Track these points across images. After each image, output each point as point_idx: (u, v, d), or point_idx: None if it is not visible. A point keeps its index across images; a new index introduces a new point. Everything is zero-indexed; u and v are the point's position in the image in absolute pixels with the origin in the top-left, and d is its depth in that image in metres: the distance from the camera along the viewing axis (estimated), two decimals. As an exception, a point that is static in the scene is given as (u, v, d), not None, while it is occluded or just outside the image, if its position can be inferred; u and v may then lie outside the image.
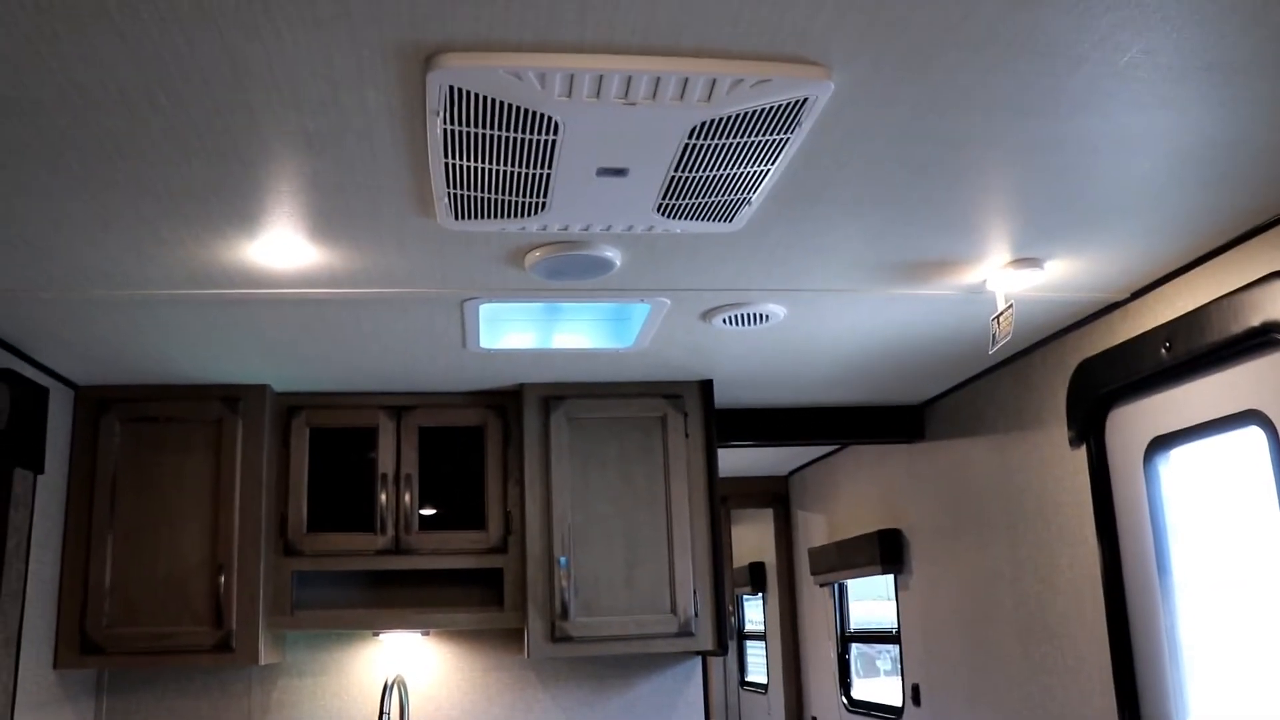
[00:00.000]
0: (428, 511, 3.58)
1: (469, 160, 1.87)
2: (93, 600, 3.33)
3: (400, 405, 3.63)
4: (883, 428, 4.18)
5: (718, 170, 1.94)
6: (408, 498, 3.56)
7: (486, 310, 2.85)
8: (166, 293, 2.59)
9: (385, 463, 3.59)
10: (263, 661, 3.36)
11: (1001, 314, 2.64)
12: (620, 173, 1.92)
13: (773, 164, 1.93)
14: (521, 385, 3.61)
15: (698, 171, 1.94)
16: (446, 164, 1.89)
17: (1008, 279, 2.62)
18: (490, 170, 1.90)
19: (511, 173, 1.92)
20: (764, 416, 4.09)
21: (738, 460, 5.58)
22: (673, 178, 1.96)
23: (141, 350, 3.09)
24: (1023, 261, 2.56)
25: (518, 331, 3.11)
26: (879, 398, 4.03)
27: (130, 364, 3.24)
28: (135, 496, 3.41)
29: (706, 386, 3.65)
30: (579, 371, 3.49)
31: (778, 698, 6.28)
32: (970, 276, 2.65)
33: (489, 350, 3.16)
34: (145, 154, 1.89)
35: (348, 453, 3.60)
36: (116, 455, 3.43)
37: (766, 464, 5.86)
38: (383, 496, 3.55)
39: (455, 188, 1.98)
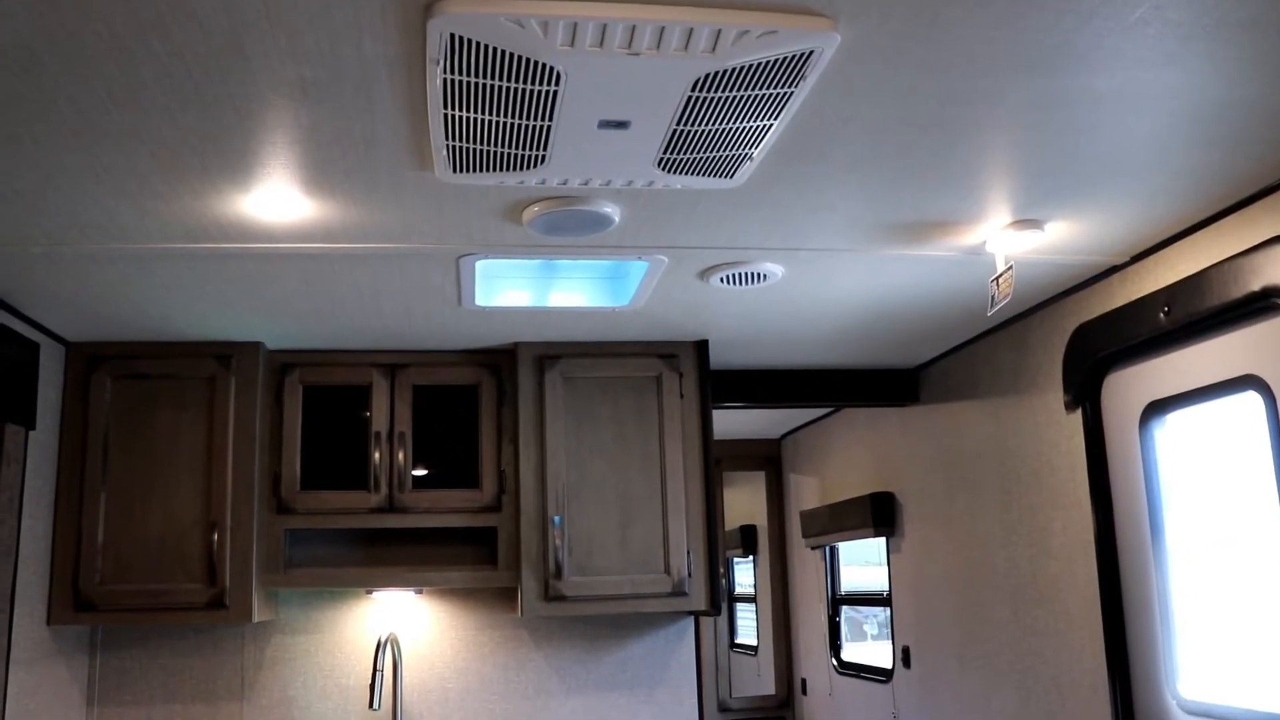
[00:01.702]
0: (421, 470, 3.58)
1: (469, 111, 1.85)
2: (86, 557, 3.32)
3: (394, 363, 3.62)
4: (877, 390, 4.17)
5: (720, 124, 1.91)
6: (401, 456, 3.55)
7: (483, 267, 2.83)
8: (160, 246, 2.57)
9: (379, 421, 3.57)
10: (256, 619, 3.36)
11: (1001, 275, 2.63)
12: (622, 125, 1.90)
13: (775, 119, 1.91)
14: (516, 344, 3.59)
15: (700, 125, 1.91)
16: (446, 115, 1.86)
17: (1008, 240, 2.60)
18: (490, 122, 1.88)
19: (511, 125, 1.89)
20: (758, 378, 4.08)
21: (730, 423, 5.58)
22: (675, 131, 1.93)
23: (134, 306, 3.07)
24: (1023, 223, 2.54)
25: (513, 289, 3.09)
26: (874, 360, 4.02)
27: (123, 320, 3.21)
28: (127, 454, 3.40)
29: (702, 347, 3.63)
30: (574, 330, 3.47)
31: (767, 660, 6.31)
32: (970, 238, 2.63)
33: (484, 308, 3.14)
34: (140, 104, 1.86)
35: (341, 411, 3.59)
36: (109, 412, 3.41)
37: (759, 427, 5.86)
38: (376, 455, 3.54)
39: (454, 140, 1.96)
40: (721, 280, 2.89)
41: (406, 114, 1.92)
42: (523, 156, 2.03)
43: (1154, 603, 2.80)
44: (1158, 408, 2.81)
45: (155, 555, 3.35)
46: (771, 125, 1.93)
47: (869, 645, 5.82)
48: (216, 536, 3.35)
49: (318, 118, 1.92)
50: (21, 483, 3.08)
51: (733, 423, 5.59)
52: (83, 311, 3.11)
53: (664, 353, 3.63)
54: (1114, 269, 2.90)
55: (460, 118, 1.87)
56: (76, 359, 3.44)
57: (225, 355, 3.47)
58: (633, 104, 1.82)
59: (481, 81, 1.75)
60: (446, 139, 1.96)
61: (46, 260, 2.65)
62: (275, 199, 2.29)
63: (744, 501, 6.96)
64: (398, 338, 3.48)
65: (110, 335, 3.39)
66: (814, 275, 2.91)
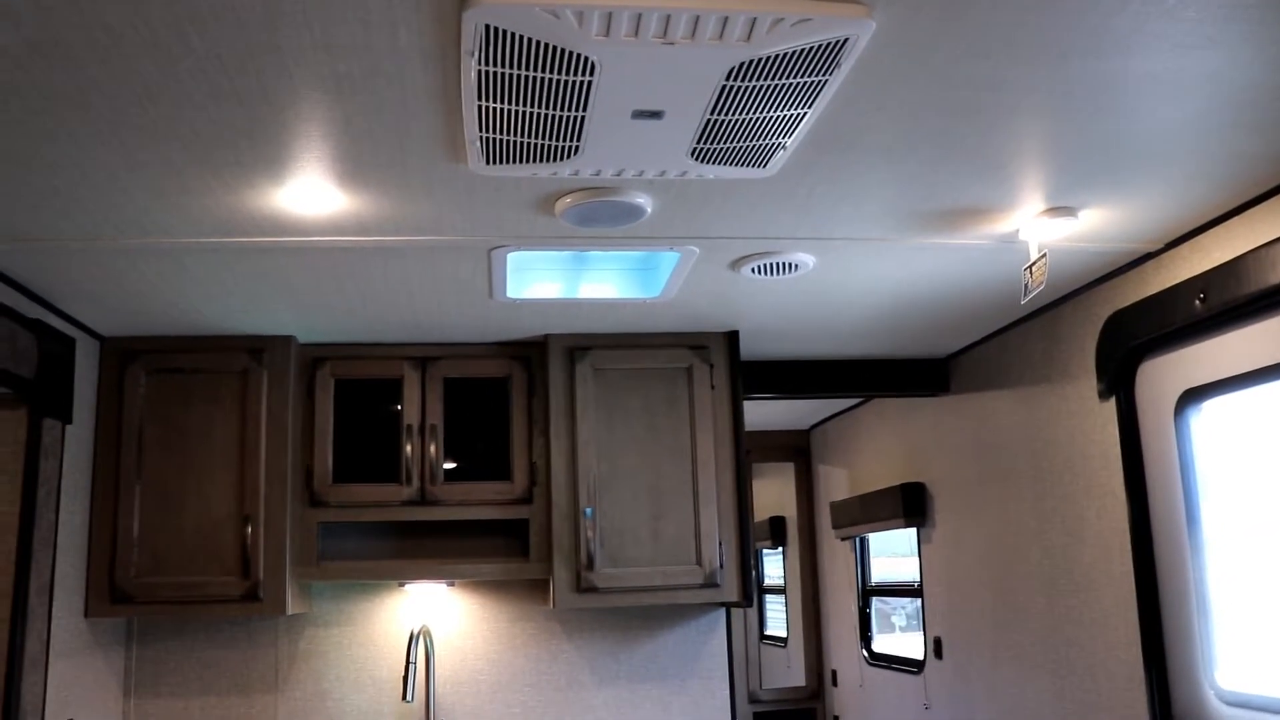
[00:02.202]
0: (453, 463, 3.59)
1: (503, 103, 1.85)
2: (121, 550, 3.35)
3: (425, 356, 3.63)
4: (908, 380, 4.16)
5: (754, 113, 1.91)
6: (433, 449, 3.56)
7: (514, 259, 2.83)
8: (194, 241, 2.58)
9: (410, 414, 3.59)
10: (290, 612, 3.38)
11: (1035, 264, 2.61)
12: (656, 115, 1.90)
13: (809, 107, 1.90)
14: (547, 336, 3.60)
15: (734, 114, 1.91)
16: (480, 107, 1.87)
17: (1041, 228, 2.58)
18: (524, 113, 1.88)
19: (545, 115, 1.89)
20: (788, 369, 4.07)
21: (759, 414, 5.57)
22: (708, 121, 1.93)
23: (168, 301, 3.09)
24: (1057, 210, 2.52)
25: (544, 281, 3.09)
26: (905, 350, 4.01)
27: (156, 315, 3.24)
28: (162, 447, 3.42)
29: (733, 338, 3.63)
30: (605, 322, 3.47)
31: (797, 651, 6.31)
32: (1003, 225, 2.62)
33: (515, 300, 3.15)
34: (175, 98, 1.87)
35: (373, 404, 3.60)
36: (143, 406, 3.44)
37: (788, 418, 5.85)
38: (408, 447, 3.56)
39: (488, 131, 1.96)
40: (753, 270, 2.88)
41: (440, 106, 1.92)
42: (556, 147, 2.03)
43: (1191, 592, 2.78)
44: (1193, 395, 2.78)
45: (190, 548, 3.37)
46: (805, 114, 1.93)
47: (896, 637, 5.80)
48: (250, 530, 3.37)
49: (351, 111, 1.93)
50: (59, 477, 3.11)
51: (761, 414, 5.58)
52: (117, 306, 3.13)
53: (694, 344, 3.62)
54: (1148, 256, 2.87)
55: (494, 109, 1.87)
56: (111, 354, 3.46)
57: (257, 349, 3.49)
58: (667, 94, 1.82)
59: (515, 73, 1.75)
60: (480, 131, 1.96)
61: (82, 256, 2.68)
62: (308, 192, 2.30)
63: (773, 492, 6.95)
64: (429, 330, 3.49)
65: (144, 330, 3.41)
66: (845, 265, 2.90)
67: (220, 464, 3.43)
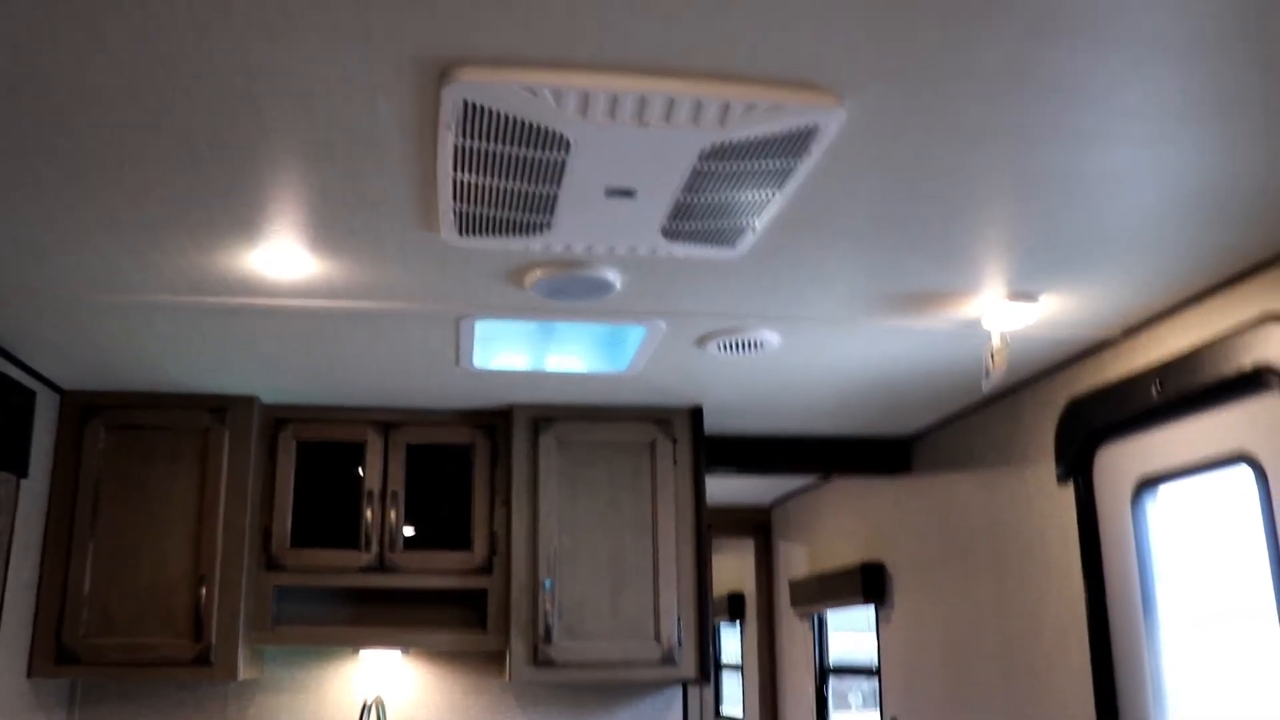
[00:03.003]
0: (413, 530, 3.57)
1: (477, 176, 1.88)
2: (71, 608, 3.29)
3: (389, 421, 3.62)
4: (870, 460, 4.18)
5: (725, 195, 1.95)
6: (393, 515, 3.54)
7: (482, 328, 2.85)
8: (164, 298, 2.58)
9: (372, 479, 3.57)
10: (241, 677, 3.33)
11: (996, 350, 2.66)
12: (628, 194, 1.93)
13: (779, 190, 1.94)
14: (512, 406, 3.60)
15: (705, 195, 1.95)
16: (455, 179, 1.89)
17: (1003, 313, 2.63)
18: (498, 187, 1.91)
19: (519, 190, 1.92)
20: (750, 445, 4.09)
21: (720, 489, 5.57)
22: (680, 200, 1.96)
23: (132, 356, 3.08)
24: (1018, 295, 2.57)
25: (511, 351, 3.11)
26: (867, 429, 4.04)
27: (119, 370, 3.22)
28: (118, 504, 3.39)
29: (696, 414, 3.65)
30: (570, 394, 3.48)
31: (753, 730, 6.25)
32: (966, 310, 2.67)
33: (482, 370, 3.15)
34: (152, 155, 1.88)
35: (334, 468, 3.59)
36: (101, 462, 3.41)
37: (749, 493, 5.86)
38: (368, 513, 3.53)
39: (461, 203, 1.98)
40: (719, 347, 2.91)
41: (415, 176, 1.95)
42: (529, 222, 2.05)
43: (1146, 677, 2.80)
44: (1150, 482, 2.82)
45: (142, 609, 3.32)
46: (774, 196, 1.97)
47: (854, 715, 5.77)
48: (204, 591, 3.33)
49: (328, 177, 1.95)
50: (10, 531, 3.06)
51: (723, 489, 5.59)
52: (79, 360, 3.11)
53: (659, 418, 3.64)
54: (1107, 343, 2.93)
55: (469, 181, 1.90)
56: (71, 407, 3.44)
57: (219, 408, 3.47)
58: (640, 173, 1.86)
59: (492, 147, 1.78)
60: (454, 202, 1.99)
61: (47, 308, 2.67)
62: (281, 256, 2.32)
63: (732, 568, 6.93)
64: (393, 395, 3.49)
65: (105, 385, 3.39)
66: (810, 344, 2.94)
67: (177, 523, 3.39)
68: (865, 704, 5.72)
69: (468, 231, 2.11)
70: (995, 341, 2.66)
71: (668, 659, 3.47)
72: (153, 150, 1.86)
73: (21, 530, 3.17)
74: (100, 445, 3.42)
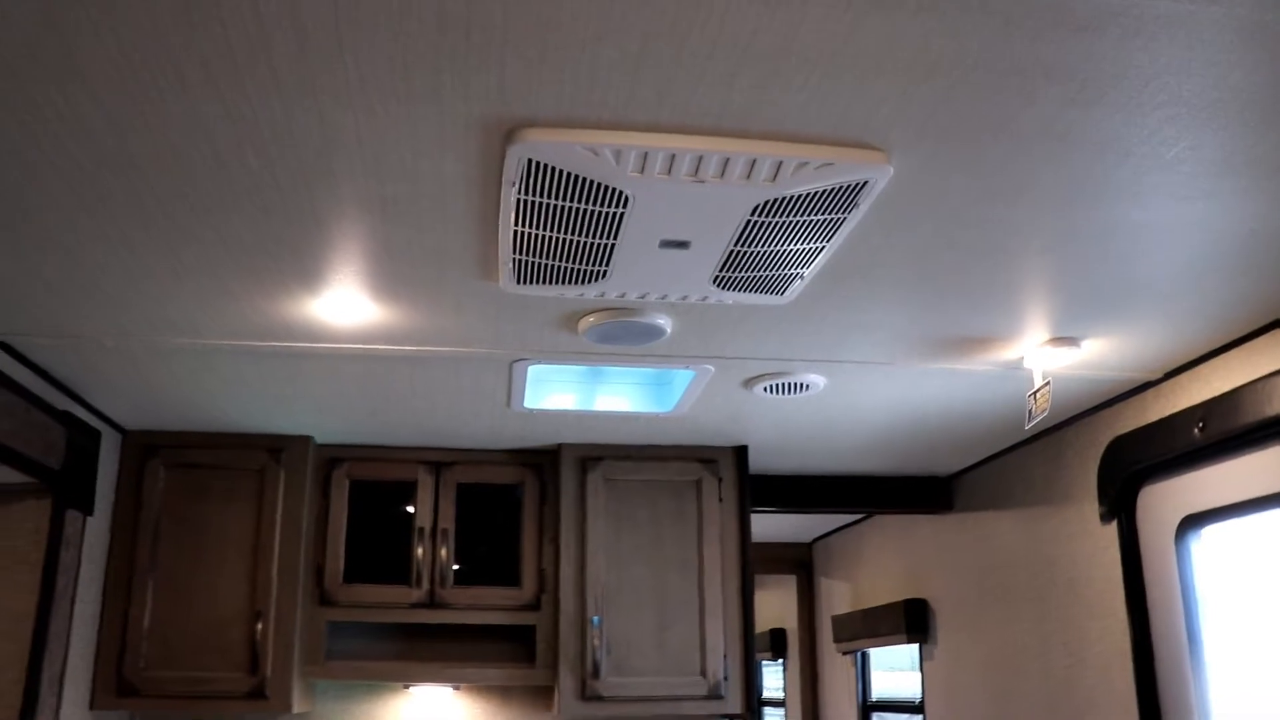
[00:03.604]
0: (462, 567, 3.64)
1: (538, 229, 1.96)
2: (131, 642, 3.38)
3: (440, 461, 3.70)
4: (912, 498, 4.22)
5: (775, 246, 2.02)
6: (444, 552, 3.61)
7: (534, 372, 2.92)
8: (227, 343, 2.68)
9: (423, 517, 3.65)
10: (295, 710, 3.40)
11: (1039, 390, 2.70)
12: (682, 245, 2.01)
13: (828, 241, 2.01)
14: (560, 445, 3.68)
15: (756, 246, 2.02)
16: (516, 232, 1.97)
17: (1045, 357, 2.68)
18: (557, 239, 1.99)
19: (578, 242, 2.00)
20: (794, 483, 4.14)
21: (763, 526, 5.61)
22: (732, 251, 2.04)
23: (192, 398, 3.18)
24: (1060, 340, 2.62)
25: (560, 392, 3.18)
26: (909, 468, 4.08)
27: (179, 411, 3.32)
28: (177, 541, 3.48)
29: (741, 452, 3.71)
30: (617, 433, 3.55)
31: (795, 766, 6.25)
32: (1008, 353, 2.72)
33: (532, 410, 3.23)
34: (227, 209, 1.98)
35: (386, 506, 3.67)
36: (160, 500, 3.51)
37: (791, 530, 5.89)
38: (419, 550, 3.61)
39: (521, 254, 2.07)
40: (765, 390, 2.97)
41: (477, 229, 2.03)
42: (586, 271, 2.13)
43: (1193, 717, 2.81)
44: (1194, 521, 2.85)
45: (199, 643, 3.41)
46: (824, 247, 2.03)
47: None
48: (260, 626, 3.41)
49: (393, 232, 2.04)
50: (78, 567, 3.16)
51: (765, 526, 5.63)
52: (142, 401, 3.22)
53: (704, 457, 3.70)
54: (1149, 384, 2.97)
55: (529, 234, 1.98)
56: (132, 447, 3.54)
57: (276, 448, 3.56)
58: (695, 226, 1.93)
59: (553, 202, 1.86)
60: (514, 253, 2.07)
61: (116, 353, 2.77)
62: (343, 303, 2.40)
63: (774, 605, 6.95)
64: (445, 436, 3.57)
65: (165, 425, 3.49)
66: (855, 386, 2.99)
67: (233, 560, 3.48)
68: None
69: (526, 280, 2.19)
70: (1037, 382, 2.71)
71: (714, 694, 3.51)
72: (226, 205, 1.95)
73: (86, 566, 3.26)
74: (160, 484, 3.52)
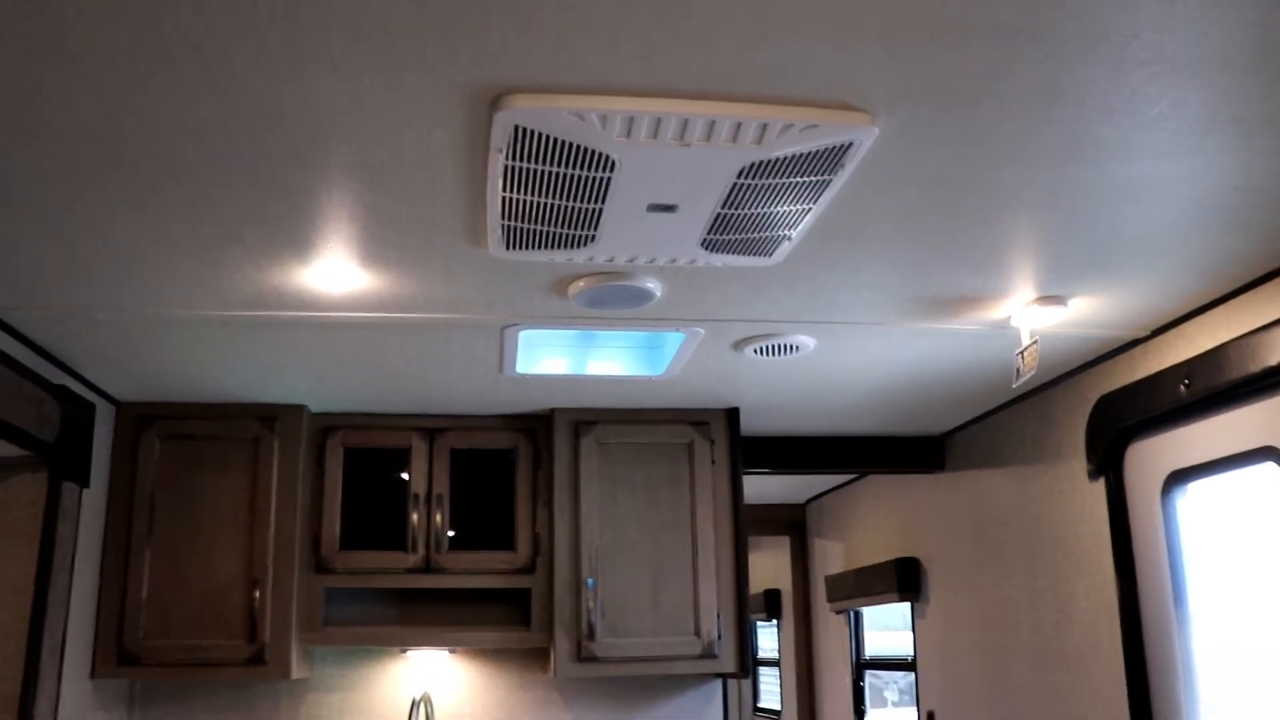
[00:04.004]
0: (457, 532, 3.67)
1: (526, 194, 1.96)
2: (130, 612, 3.41)
3: (433, 427, 3.72)
4: (903, 458, 4.25)
5: (762, 208, 2.03)
6: (438, 518, 3.64)
7: (525, 337, 2.94)
8: (219, 314, 2.69)
9: (417, 483, 3.67)
10: (294, 676, 3.44)
11: (1026, 349, 2.73)
12: (669, 209, 2.02)
13: (814, 203, 2.02)
14: (553, 410, 3.70)
15: (743, 209, 2.03)
16: (504, 198, 1.98)
17: (1032, 315, 2.70)
18: (545, 204, 2.00)
19: (565, 207, 2.01)
20: (786, 444, 4.17)
21: (756, 488, 5.65)
22: (719, 214, 2.05)
23: (186, 369, 3.19)
24: (1047, 299, 2.64)
25: (552, 357, 3.20)
26: (900, 428, 4.11)
27: (173, 382, 3.33)
28: (173, 512, 3.50)
29: (733, 414, 3.73)
30: (609, 397, 3.57)
31: (790, 725, 6.33)
32: (996, 312, 2.73)
33: (524, 375, 3.25)
34: (214, 181, 1.98)
35: (381, 473, 3.69)
36: (156, 471, 3.52)
37: (784, 492, 5.93)
38: (414, 516, 3.64)
39: (510, 220, 2.07)
40: (755, 351, 2.99)
41: (465, 196, 2.04)
42: (574, 236, 2.14)
43: (1178, 669, 2.86)
44: (1179, 477, 2.88)
45: (197, 611, 3.44)
46: (810, 209, 2.05)
47: (889, 712, 5.83)
48: (258, 594, 3.44)
49: (382, 200, 2.05)
50: (75, 539, 3.18)
51: (758, 487, 5.67)
52: (135, 373, 3.23)
53: (696, 420, 3.72)
54: (1135, 342, 2.99)
55: (517, 200, 1.99)
56: (126, 419, 3.55)
57: (269, 417, 3.58)
58: (681, 190, 1.94)
59: (540, 168, 1.86)
60: (502, 219, 2.08)
61: (109, 325, 2.78)
62: (333, 272, 2.41)
63: (768, 566, 7.01)
64: (438, 402, 3.59)
65: (159, 396, 3.51)
66: (844, 347, 3.01)
67: (229, 529, 3.50)
68: (902, 700, 5.78)
69: (515, 246, 2.20)
70: (1025, 341, 2.73)
71: (708, 653, 3.55)
72: (213, 177, 1.95)
73: (83, 538, 3.29)
74: (155, 455, 3.54)
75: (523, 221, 2.08)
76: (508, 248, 2.21)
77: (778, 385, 3.42)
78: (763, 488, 5.71)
